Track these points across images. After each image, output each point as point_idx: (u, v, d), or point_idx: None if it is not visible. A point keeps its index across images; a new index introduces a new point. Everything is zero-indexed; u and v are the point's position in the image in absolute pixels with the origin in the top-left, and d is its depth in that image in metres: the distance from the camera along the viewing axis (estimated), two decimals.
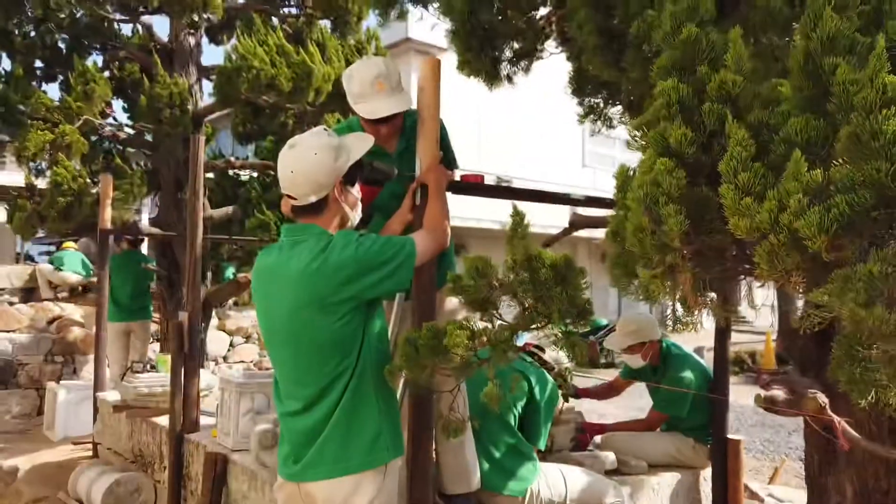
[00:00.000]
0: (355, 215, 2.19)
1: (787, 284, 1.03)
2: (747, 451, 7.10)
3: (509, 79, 2.87)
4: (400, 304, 2.67)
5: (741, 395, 9.23)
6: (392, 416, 2.11)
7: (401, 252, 2.03)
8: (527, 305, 2.09)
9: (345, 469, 1.99)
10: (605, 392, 4.32)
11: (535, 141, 18.19)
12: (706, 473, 3.65)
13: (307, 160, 1.99)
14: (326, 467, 1.99)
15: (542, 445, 3.09)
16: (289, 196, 2.06)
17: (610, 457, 3.44)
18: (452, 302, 2.74)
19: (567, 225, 2.99)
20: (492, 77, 2.74)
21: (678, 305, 1.30)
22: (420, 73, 2.50)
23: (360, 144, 2.17)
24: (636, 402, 9.51)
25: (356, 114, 2.56)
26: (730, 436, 3.48)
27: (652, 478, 3.47)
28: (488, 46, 2.55)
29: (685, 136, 1.14)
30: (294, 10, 7.55)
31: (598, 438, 3.85)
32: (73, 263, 8.82)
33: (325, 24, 7.42)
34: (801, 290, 1.03)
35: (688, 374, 3.59)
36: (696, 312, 1.26)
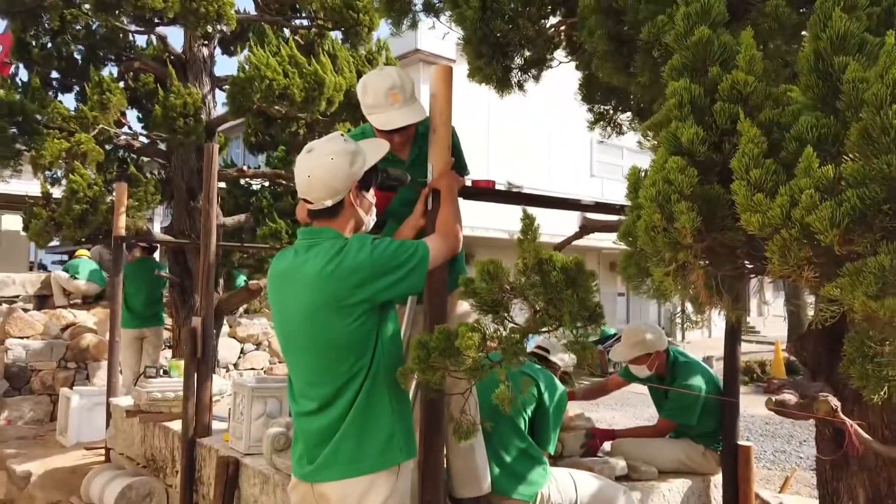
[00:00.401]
0: (370, 220, 2.23)
1: (799, 279, 1.05)
2: (758, 460, 7.07)
3: (520, 86, 2.91)
4: (412, 308, 2.70)
5: (751, 404, 9.20)
6: (405, 417, 2.13)
7: (414, 256, 2.06)
8: (538, 308, 2.11)
9: (358, 469, 2.00)
10: (595, 392, 4.30)
11: (544, 151, 18.27)
12: (716, 480, 3.64)
13: (324, 165, 2.02)
14: (340, 468, 2.01)
15: (551, 450, 3.10)
16: (305, 200, 2.09)
17: (620, 462, 3.44)
18: (463, 306, 2.76)
19: (576, 230, 3.01)
20: (503, 84, 2.77)
21: (689, 304, 1.32)
22: (432, 81, 2.53)
23: (375, 150, 2.21)
24: (645, 411, 9.48)
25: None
26: (740, 442, 3.47)
27: (662, 484, 3.47)
28: (499, 54, 2.59)
29: (697, 135, 1.16)
30: (305, 22, 7.64)
31: (607, 445, 3.85)
32: (87, 272, 8.92)
33: (337, 35, 7.51)
34: (813, 285, 1.05)
35: (696, 382, 3.59)
36: (708, 311, 1.28)
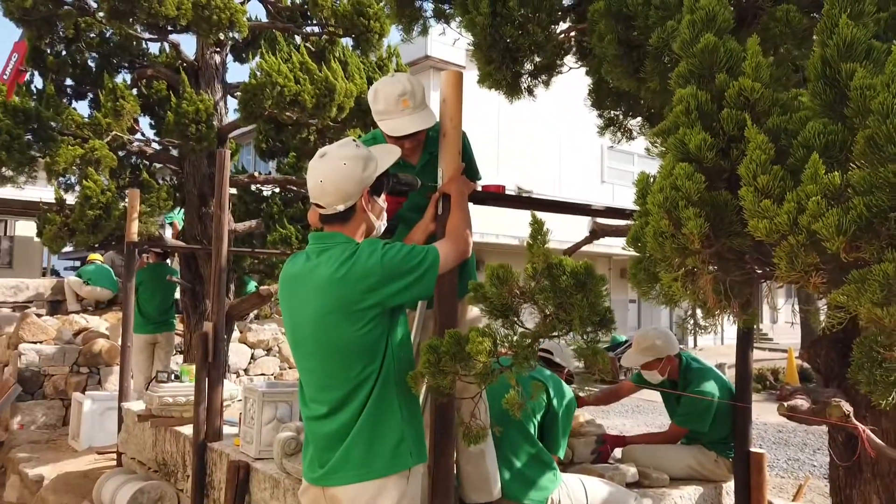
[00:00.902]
0: (381, 225, 2.24)
1: (807, 285, 1.05)
2: (771, 468, 7.01)
3: (530, 91, 2.92)
4: (422, 313, 2.71)
5: (764, 412, 9.14)
6: (415, 422, 2.14)
7: (424, 260, 2.07)
8: (548, 313, 2.12)
9: (368, 473, 2.01)
10: (607, 397, 4.28)
11: (554, 156, 18.28)
12: (728, 487, 3.62)
13: (336, 170, 2.04)
14: (350, 472, 2.02)
15: (561, 454, 3.10)
16: (317, 204, 2.11)
17: (631, 469, 3.43)
18: (473, 312, 2.78)
19: (586, 235, 3.01)
20: (512, 89, 2.78)
21: (698, 309, 1.32)
22: (442, 86, 2.55)
23: (387, 155, 2.23)
24: (657, 419, 9.43)
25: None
26: (753, 449, 3.45)
27: (673, 491, 3.45)
28: (509, 59, 2.60)
29: (704, 142, 1.17)
30: (317, 29, 7.69)
31: (618, 452, 3.83)
32: (100, 277, 9.00)
33: (348, 42, 7.56)
34: (820, 291, 1.05)
35: (709, 388, 3.57)
36: (717, 316, 1.28)
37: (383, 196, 2.23)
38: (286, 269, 2.22)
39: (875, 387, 1.10)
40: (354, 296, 1.99)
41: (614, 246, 18.86)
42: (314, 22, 7.64)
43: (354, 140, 2.19)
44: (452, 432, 2.48)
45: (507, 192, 2.91)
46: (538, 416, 3.03)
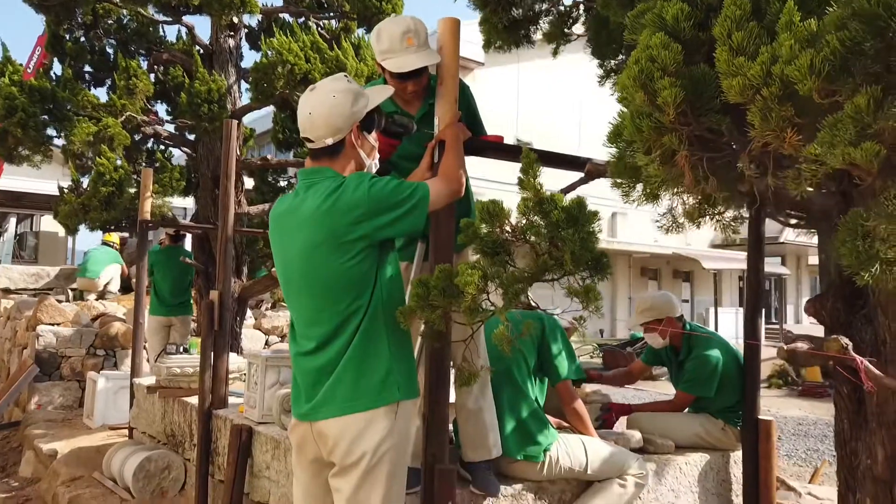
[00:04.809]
0: (371, 163, 2.22)
1: (781, 144, 1.00)
2: (789, 458, 6.86)
3: (527, 38, 2.87)
4: (419, 265, 2.68)
5: (784, 406, 8.95)
6: (405, 358, 2.11)
7: (413, 195, 2.05)
8: (540, 253, 2.08)
9: (355, 407, 1.99)
10: (622, 378, 4.21)
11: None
12: (736, 456, 3.54)
13: (326, 103, 2.03)
14: (337, 405, 2.00)
15: (573, 374, 3.02)
16: (306, 139, 2.09)
17: (636, 435, 3.36)
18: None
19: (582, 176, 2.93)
20: (509, 35, 2.73)
21: (678, 203, 1.27)
22: (439, 33, 2.53)
23: (379, 92, 2.21)
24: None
25: (383, 71, 2.58)
26: (762, 416, 3.36)
27: (679, 457, 3.38)
28: (504, 2, 2.56)
29: (681, 11, 1.12)
30: (332, 18, 7.72)
31: (623, 422, 3.75)
32: (101, 265, 9.05)
33: (362, 33, 7.56)
34: (795, 148, 1.00)
35: (714, 353, 3.49)
36: (695, 200, 1.23)
37: (374, 134, 2.21)
38: (275, 209, 2.20)
39: (857, 260, 1.05)
40: (341, 228, 1.97)
41: (634, 244, 18.68)
42: (330, 14, 7.66)
43: (346, 75, 2.17)
44: (447, 379, 2.44)
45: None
46: (531, 362, 2.97)
